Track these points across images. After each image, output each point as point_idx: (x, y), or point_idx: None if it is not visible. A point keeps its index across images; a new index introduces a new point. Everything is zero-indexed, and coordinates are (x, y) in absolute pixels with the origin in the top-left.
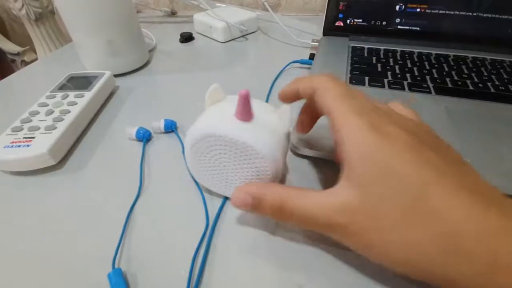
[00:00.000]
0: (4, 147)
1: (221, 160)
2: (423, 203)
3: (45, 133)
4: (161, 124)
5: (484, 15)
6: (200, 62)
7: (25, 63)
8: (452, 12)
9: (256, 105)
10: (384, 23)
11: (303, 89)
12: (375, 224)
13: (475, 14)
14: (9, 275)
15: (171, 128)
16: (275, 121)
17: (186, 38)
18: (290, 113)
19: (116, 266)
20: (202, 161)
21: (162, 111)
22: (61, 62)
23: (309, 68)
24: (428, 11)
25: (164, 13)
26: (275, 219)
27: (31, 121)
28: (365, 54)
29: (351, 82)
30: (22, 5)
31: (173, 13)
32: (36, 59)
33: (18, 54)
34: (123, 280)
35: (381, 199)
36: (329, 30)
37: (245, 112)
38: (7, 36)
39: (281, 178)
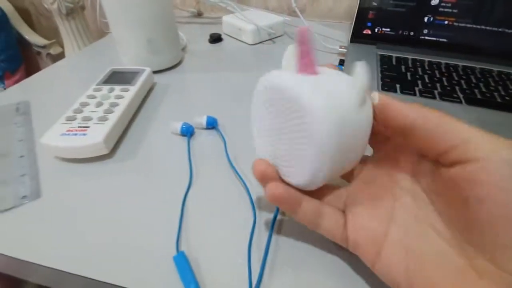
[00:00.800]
0: (61, 135)
1: (276, 121)
2: None
3: (98, 123)
4: (204, 120)
5: (509, 31)
6: (230, 62)
7: (50, 56)
8: (478, 27)
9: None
10: (411, 33)
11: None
12: None
13: (500, 29)
14: (75, 260)
15: (212, 124)
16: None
17: (215, 39)
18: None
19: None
20: (264, 122)
21: (198, 108)
22: (93, 57)
23: None
24: (455, 24)
25: (190, 13)
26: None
27: (82, 111)
28: (394, 63)
29: (383, 89)
30: (55, 0)
31: (199, 14)
32: (62, 52)
33: (44, 46)
34: (188, 262)
35: None
36: (357, 37)
37: (305, 59)
38: (33, 28)
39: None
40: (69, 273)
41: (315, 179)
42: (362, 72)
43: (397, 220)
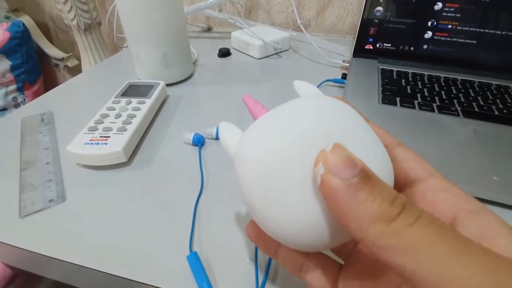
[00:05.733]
0: (85, 144)
1: None
2: None
3: (118, 133)
4: (214, 131)
5: (508, 44)
6: (238, 76)
7: (67, 68)
8: (476, 42)
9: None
10: (412, 48)
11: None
12: None
13: (498, 43)
14: (96, 257)
15: None
16: None
17: (224, 53)
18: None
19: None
20: None
21: (208, 119)
22: (109, 71)
23: (343, 87)
24: (454, 39)
25: (200, 28)
26: None
27: (103, 122)
28: (394, 77)
29: (383, 102)
30: (75, 16)
31: (209, 29)
32: (78, 64)
33: (62, 59)
34: (200, 261)
35: None
36: (359, 52)
37: (258, 110)
38: (51, 42)
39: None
40: (91, 268)
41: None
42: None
43: None
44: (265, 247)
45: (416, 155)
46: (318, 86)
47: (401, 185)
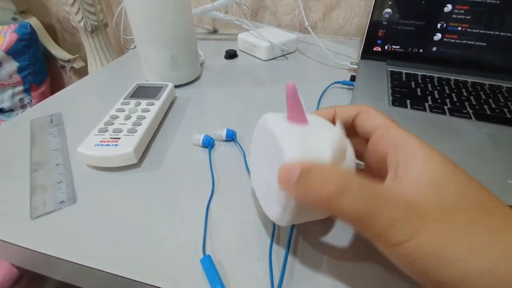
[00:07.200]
0: (95, 145)
1: (263, 157)
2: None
3: (128, 135)
4: (223, 133)
5: None
6: (245, 77)
7: (73, 70)
8: (485, 44)
9: (315, 119)
10: (421, 50)
11: (342, 111)
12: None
13: (508, 46)
14: (109, 259)
15: (231, 137)
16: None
17: (231, 55)
18: (340, 134)
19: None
20: (256, 152)
21: (216, 121)
22: (116, 72)
23: (351, 89)
24: (464, 41)
25: (206, 30)
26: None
27: (113, 124)
28: (404, 79)
29: (393, 105)
30: (82, 18)
31: (214, 31)
32: (84, 66)
33: (68, 61)
34: (213, 264)
35: (450, 201)
36: (367, 54)
37: (296, 111)
38: (57, 43)
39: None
40: (103, 270)
41: (280, 219)
42: (338, 133)
43: None
44: None
45: (375, 112)
46: (326, 88)
47: (366, 137)
